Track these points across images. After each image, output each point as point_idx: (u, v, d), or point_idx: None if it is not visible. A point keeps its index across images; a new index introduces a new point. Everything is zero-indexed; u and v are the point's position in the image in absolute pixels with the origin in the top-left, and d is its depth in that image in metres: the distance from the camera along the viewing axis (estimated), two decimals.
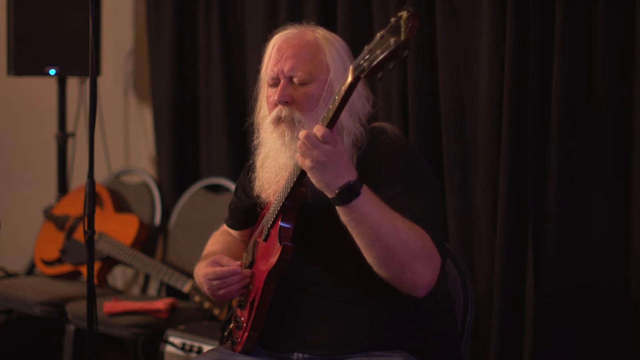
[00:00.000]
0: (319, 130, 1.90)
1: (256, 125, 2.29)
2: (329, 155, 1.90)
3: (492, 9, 2.86)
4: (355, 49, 2.16)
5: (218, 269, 2.18)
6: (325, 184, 1.93)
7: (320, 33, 2.22)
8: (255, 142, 2.27)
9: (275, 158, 2.17)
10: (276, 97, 2.16)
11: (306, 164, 1.92)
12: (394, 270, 1.97)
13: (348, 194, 1.91)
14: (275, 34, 2.24)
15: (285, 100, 2.15)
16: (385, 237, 1.93)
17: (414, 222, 1.98)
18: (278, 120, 2.16)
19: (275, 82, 2.18)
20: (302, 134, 1.92)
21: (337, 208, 1.94)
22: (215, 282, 2.18)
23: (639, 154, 2.63)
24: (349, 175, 1.91)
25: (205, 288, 2.22)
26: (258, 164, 2.24)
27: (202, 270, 2.23)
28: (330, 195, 1.93)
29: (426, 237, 1.98)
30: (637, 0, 2.61)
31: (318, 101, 2.14)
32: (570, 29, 2.68)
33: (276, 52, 2.19)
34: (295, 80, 2.16)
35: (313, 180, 1.94)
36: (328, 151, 1.89)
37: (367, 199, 1.92)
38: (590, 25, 2.68)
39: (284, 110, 2.15)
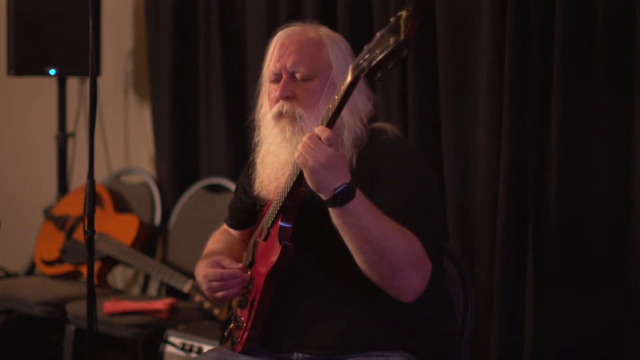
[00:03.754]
0: (323, 132, 1.91)
1: (257, 123, 2.29)
2: (331, 157, 1.90)
3: (492, 9, 2.86)
4: (355, 49, 2.17)
5: (218, 270, 2.18)
6: (322, 186, 1.93)
7: (323, 31, 2.23)
8: (256, 140, 2.27)
9: (276, 154, 2.17)
10: (278, 93, 2.16)
11: (308, 164, 1.92)
12: (383, 274, 1.98)
13: (343, 195, 1.91)
14: (279, 31, 2.24)
15: (287, 96, 2.15)
16: (376, 242, 1.94)
17: (408, 226, 1.98)
18: (279, 116, 2.17)
19: (277, 78, 2.19)
20: (308, 135, 1.93)
21: (330, 210, 1.95)
22: (215, 284, 2.18)
23: (639, 154, 2.63)
24: (344, 177, 1.92)
25: (204, 288, 2.22)
26: (258, 161, 2.24)
27: (202, 270, 2.23)
28: (325, 197, 1.93)
29: (417, 243, 1.99)
30: (637, 0, 2.61)
31: (320, 97, 2.14)
32: (571, 28, 2.68)
33: (279, 49, 2.20)
34: (297, 76, 2.16)
35: (309, 180, 1.94)
36: (330, 153, 1.90)
37: (360, 203, 1.93)
38: (591, 25, 2.68)
39: (285, 106, 2.16)
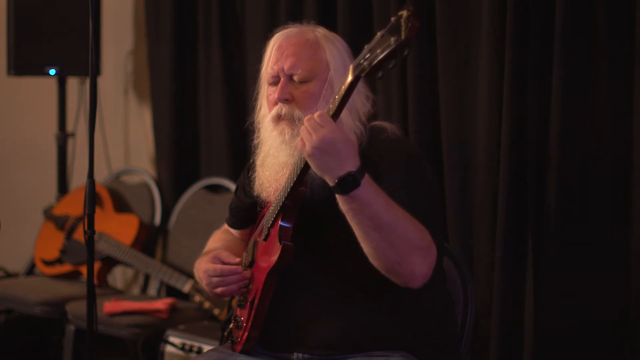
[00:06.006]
0: (318, 113, 1.90)
1: (256, 125, 2.29)
2: (328, 140, 1.88)
3: (492, 12, 2.86)
4: (355, 48, 2.17)
5: (219, 266, 2.19)
6: (324, 171, 1.91)
7: (321, 32, 2.22)
8: (255, 142, 2.27)
9: (276, 156, 2.17)
10: (276, 95, 2.16)
11: (306, 148, 1.91)
12: (390, 260, 1.96)
13: (348, 183, 1.89)
14: (276, 32, 2.24)
15: (286, 98, 2.15)
16: (384, 228, 1.92)
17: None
18: (278, 118, 2.16)
19: (275, 81, 2.19)
20: (306, 118, 1.92)
21: (337, 197, 1.93)
22: (215, 279, 2.19)
23: (639, 154, 2.63)
24: (351, 164, 1.90)
25: (204, 283, 2.23)
26: (258, 163, 2.24)
27: (202, 266, 2.24)
28: (330, 184, 1.92)
29: (424, 230, 1.97)
30: (638, 1, 2.61)
31: (318, 99, 2.14)
32: (571, 28, 2.69)
33: (276, 51, 2.19)
34: (295, 78, 2.16)
35: (313, 166, 1.93)
36: (327, 135, 1.88)
37: (367, 190, 1.91)
38: (591, 24, 2.68)
39: (284, 108, 2.15)
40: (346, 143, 1.90)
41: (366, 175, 1.91)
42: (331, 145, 1.88)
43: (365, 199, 1.91)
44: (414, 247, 1.95)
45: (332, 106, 1.90)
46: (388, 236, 1.93)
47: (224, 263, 2.21)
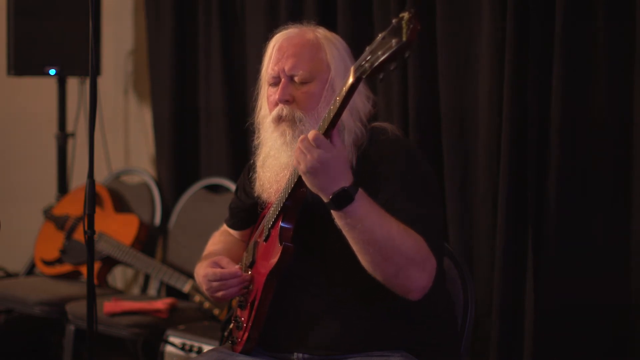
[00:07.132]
0: (311, 134, 1.91)
1: (256, 125, 2.29)
2: (322, 160, 1.90)
3: (492, 12, 2.86)
4: (355, 49, 2.17)
5: (218, 270, 2.19)
6: (318, 189, 1.94)
7: (321, 32, 2.22)
8: (256, 142, 2.27)
9: (277, 157, 2.17)
10: (277, 96, 2.16)
11: (300, 168, 1.93)
12: (388, 274, 1.98)
13: (342, 199, 1.91)
14: (276, 33, 2.24)
15: (286, 99, 2.15)
16: (379, 243, 1.94)
17: (411, 225, 1.98)
18: (279, 120, 2.16)
19: (276, 81, 2.19)
20: (300, 138, 1.93)
21: (332, 212, 1.95)
22: (215, 284, 2.18)
23: (639, 154, 2.63)
24: (343, 180, 1.92)
25: (204, 288, 2.22)
26: (259, 163, 2.24)
27: (202, 270, 2.24)
28: (324, 200, 1.94)
29: (421, 241, 1.98)
30: (637, 1, 2.61)
31: (319, 100, 2.14)
32: (571, 29, 2.69)
33: (277, 52, 2.19)
34: (296, 79, 2.16)
35: (307, 184, 1.95)
36: (321, 156, 1.90)
37: (361, 205, 1.93)
38: (591, 25, 2.68)
39: (284, 109, 2.15)
40: (339, 161, 1.92)
41: (360, 190, 1.93)
42: (324, 165, 1.91)
43: (359, 214, 1.93)
44: (410, 260, 1.96)
45: (333, 107, 1.90)
46: (383, 250, 1.94)
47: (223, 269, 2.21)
